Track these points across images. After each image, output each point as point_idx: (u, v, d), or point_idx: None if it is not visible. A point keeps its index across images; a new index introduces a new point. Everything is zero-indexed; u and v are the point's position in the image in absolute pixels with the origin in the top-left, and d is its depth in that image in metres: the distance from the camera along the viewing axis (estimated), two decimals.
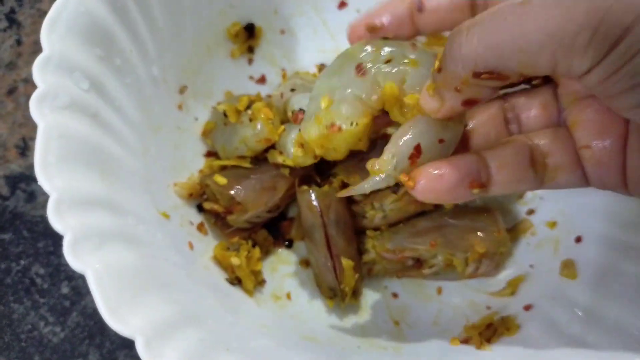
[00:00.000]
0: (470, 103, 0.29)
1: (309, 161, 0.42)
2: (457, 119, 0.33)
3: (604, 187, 0.32)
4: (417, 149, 0.32)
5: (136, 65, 0.43)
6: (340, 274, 0.47)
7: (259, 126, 0.46)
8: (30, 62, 0.56)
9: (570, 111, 0.33)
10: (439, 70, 0.29)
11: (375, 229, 0.50)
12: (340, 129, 0.35)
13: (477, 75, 0.26)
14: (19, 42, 0.57)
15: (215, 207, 0.47)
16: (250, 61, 0.55)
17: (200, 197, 0.49)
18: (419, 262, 0.48)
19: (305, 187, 0.48)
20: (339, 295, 0.48)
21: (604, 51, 0.23)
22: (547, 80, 0.37)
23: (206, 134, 0.51)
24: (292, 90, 0.43)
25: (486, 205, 0.51)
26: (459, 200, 0.33)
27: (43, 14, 0.38)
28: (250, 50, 0.55)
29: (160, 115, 0.47)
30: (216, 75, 0.53)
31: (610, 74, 0.24)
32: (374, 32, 0.34)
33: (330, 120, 0.35)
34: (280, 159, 0.47)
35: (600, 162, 0.31)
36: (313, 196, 0.48)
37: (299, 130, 0.39)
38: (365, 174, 0.35)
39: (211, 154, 0.52)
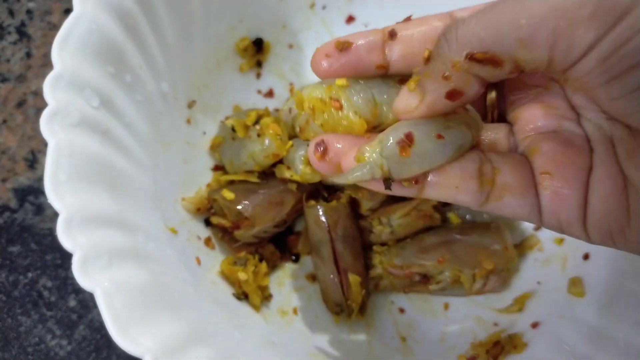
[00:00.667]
0: (454, 95, 0.27)
1: (317, 178, 0.42)
2: (465, 122, 0.30)
3: (556, 225, 0.29)
4: (409, 137, 0.29)
5: (146, 81, 0.43)
6: (347, 289, 0.47)
7: (267, 142, 0.46)
8: (39, 75, 0.57)
9: (529, 143, 0.31)
10: (428, 59, 0.27)
11: (383, 244, 0.50)
12: (340, 107, 0.33)
13: (471, 57, 0.25)
14: (28, 55, 0.58)
15: (223, 221, 0.47)
16: (258, 75, 0.56)
17: (207, 211, 0.49)
18: (425, 278, 0.48)
19: (312, 203, 0.48)
20: (345, 310, 0.48)
21: (609, 24, 0.22)
22: (501, 119, 0.35)
23: (214, 148, 0.52)
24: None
25: (494, 221, 0.51)
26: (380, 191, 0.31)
27: (53, 27, 0.38)
28: (259, 64, 0.56)
29: (170, 130, 0.47)
30: (224, 90, 0.54)
31: (612, 51, 0.23)
32: (343, 50, 0.32)
33: (338, 96, 0.33)
34: (287, 174, 0.47)
35: (558, 192, 0.29)
36: (321, 211, 0.48)
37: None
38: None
39: (219, 167, 0.52)
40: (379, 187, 0.31)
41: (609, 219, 0.28)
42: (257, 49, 0.55)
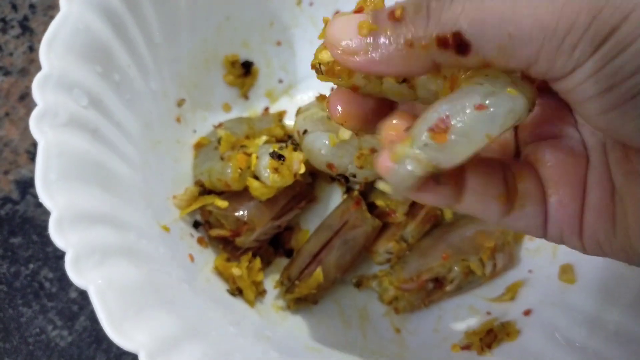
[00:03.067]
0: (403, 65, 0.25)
1: (288, 181, 0.44)
2: (510, 83, 0.25)
3: (559, 236, 0.29)
4: (441, 121, 0.24)
5: (135, 80, 0.43)
6: (306, 274, 0.48)
7: (228, 170, 0.46)
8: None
9: (533, 150, 0.30)
10: (398, 18, 0.24)
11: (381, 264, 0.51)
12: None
13: (443, 43, 0.23)
14: (31, 49, 0.59)
15: (222, 232, 0.47)
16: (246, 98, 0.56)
17: (200, 213, 0.49)
18: (439, 282, 0.48)
19: (364, 208, 0.49)
20: (286, 286, 0.48)
21: (589, 52, 0.22)
22: None
23: (197, 147, 0.52)
24: (305, 132, 0.44)
25: None
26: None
27: None
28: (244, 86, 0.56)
29: (160, 129, 0.47)
30: (214, 88, 0.54)
31: (590, 75, 0.22)
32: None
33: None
34: (257, 186, 0.46)
35: (563, 202, 0.28)
36: (353, 211, 0.49)
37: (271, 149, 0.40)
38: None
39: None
40: (434, 195, 0.27)
41: (597, 228, 0.27)
42: (246, 71, 0.55)
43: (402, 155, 0.25)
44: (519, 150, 0.32)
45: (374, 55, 0.24)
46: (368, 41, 0.24)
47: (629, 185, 0.26)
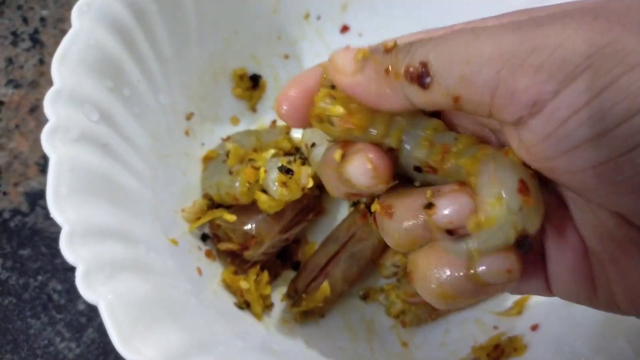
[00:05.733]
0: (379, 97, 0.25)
1: (296, 196, 0.44)
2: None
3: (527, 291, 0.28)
4: (523, 182, 0.23)
5: (144, 94, 0.43)
6: (313, 287, 0.48)
7: (237, 184, 0.46)
8: (52, 82, 0.58)
9: None
10: (389, 50, 0.25)
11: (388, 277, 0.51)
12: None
13: (410, 73, 0.24)
14: (41, 62, 0.59)
15: (230, 245, 0.47)
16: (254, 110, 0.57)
17: (208, 226, 0.50)
18: None
19: (371, 221, 0.48)
20: (293, 299, 0.48)
21: (560, 80, 0.20)
22: None
23: (206, 160, 0.52)
24: (313, 145, 0.44)
25: None
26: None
27: (66, 34, 0.39)
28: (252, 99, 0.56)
29: (168, 142, 0.47)
30: (222, 101, 0.54)
31: (573, 110, 0.21)
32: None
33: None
34: (265, 200, 0.46)
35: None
36: (360, 224, 0.49)
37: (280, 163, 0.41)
38: None
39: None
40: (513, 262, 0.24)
41: (574, 288, 0.26)
42: (254, 84, 0.56)
43: (497, 219, 0.23)
44: None
45: (359, 78, 0.26)
46: (358, 65, 0.26)
47: (606, 250, 0.25)
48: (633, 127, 0.20)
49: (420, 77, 0.23)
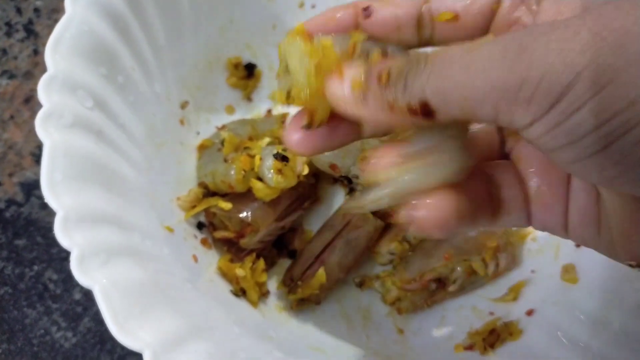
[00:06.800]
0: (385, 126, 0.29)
1: (292, 183, 0.44)
2: (461, 152, 0.28)
3: (542, 229, 0.31)
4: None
5: (139, 82, 0.43)
6: (309, 274, 0.48)
7: (232, 172, 0.46)
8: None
9: (515, 151, 0.32)
10: (383, 83, 0.26)
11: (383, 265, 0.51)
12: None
13: (412, 111, 0.25)
14: (35, 52, 0.59)
15: (226, 234, 0.48)
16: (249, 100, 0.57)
17: (204, 214, 0.50)
18: (441, 283, 0.48)
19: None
20: (289, 287, 0.48)
21: (546, 107, 0.22)
22: None
23: (201, 149, 0.52)
24: None
25: None
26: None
27: None
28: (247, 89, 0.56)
29: (163, 130, 0.47)
30: (217, 90, 0.54)
31: (549, 129, 0.23)
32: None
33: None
34: (261, 187, 0.46)
35: (546, 204, 0.30)
36: (355, 212, 0.49)
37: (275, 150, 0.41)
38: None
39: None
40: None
41: (582, 229, 0.29)
42: (249, 73, 0.56)
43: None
44: (503, 143, 0.33)
45: (364, 112, 0.27)
46: (359, 98, 0.27)
47: (611, 197, 0.27)
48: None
49: (424, 113, 0.25)
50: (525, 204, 0.30)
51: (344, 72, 0.27)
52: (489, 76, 0.23)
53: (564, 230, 0.30)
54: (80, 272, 0.32)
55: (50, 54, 0.36)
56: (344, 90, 0.27)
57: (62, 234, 0.32)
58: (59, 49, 0.37)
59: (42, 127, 0.34)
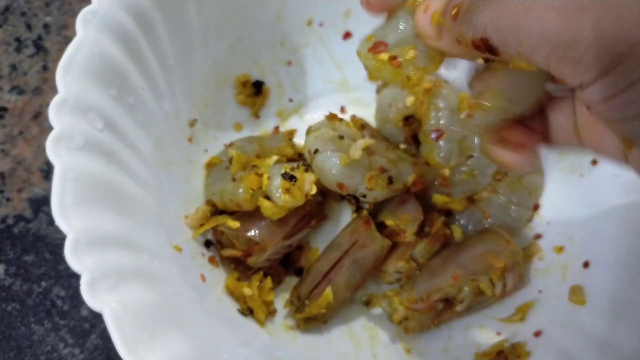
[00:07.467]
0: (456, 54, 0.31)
1: (299, 202, 0.44)
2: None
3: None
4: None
5: (148, 102, 0.43)
6: (316, 293, 0.48)
7: (240, 190, 0.47)
8: (55, 88, 0.58)
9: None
10: (454, 17, 0.29)
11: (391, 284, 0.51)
12: (399, 65, 0.33)
13: (476, 46, 0.27)
14: (45, 68, 0.60)
15: (234, 252, 0.48)
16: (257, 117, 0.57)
17: (212, 233, 0.50)
18: (449, 302, 0.48)
19: (373, 228, 0.49)
20: (296, 306, 0.48)
21: (595, 73, 0.23)
22: None
23: (209, 166, 0.52)
24: (316, 151, 0.45)
25: (487, 228, 0.51)
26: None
27: (69, 40, 0.39)
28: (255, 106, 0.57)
29: (172, 149, 0.48)
30: (225, 108, 0.54)
31: (602, 99, 0.24)
32: None
33: (398, 53, 0.33)
34: (268, 206, 0.46)
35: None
36: (363, 231, 0.49)
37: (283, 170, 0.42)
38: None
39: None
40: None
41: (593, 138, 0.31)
42: (257, 90, 0.56)
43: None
44: None
45: (440, 43, 0.30)
46: (436, 31, 0.30)
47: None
48: None
49: (488, 49, 0.27)
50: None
51: (429, 4, 0.30)
52: (543, 26, 0.23)
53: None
54: (91, 296, 0.32)
55: (62, 76, 0.36)
56: (426, 21, 0.30)
57: (73, 258, 0.32)
58: (70, 71, 0.37)
59: (53, 149, 0.34)
